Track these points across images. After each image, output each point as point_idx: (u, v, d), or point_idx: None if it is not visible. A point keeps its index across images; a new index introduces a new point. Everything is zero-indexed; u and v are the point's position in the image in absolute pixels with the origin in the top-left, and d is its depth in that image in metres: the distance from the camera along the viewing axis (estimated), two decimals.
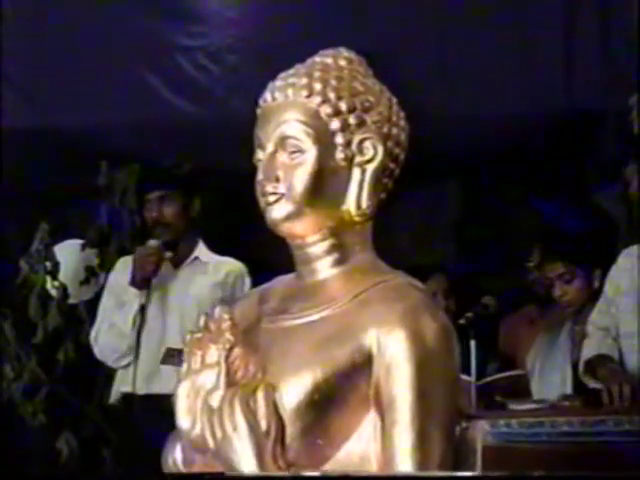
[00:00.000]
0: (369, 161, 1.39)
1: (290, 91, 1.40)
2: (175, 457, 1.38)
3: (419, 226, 4.41)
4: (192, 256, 3.41)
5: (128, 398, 3.28)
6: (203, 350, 1.32)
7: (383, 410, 1.30)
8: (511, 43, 3.59)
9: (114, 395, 3.35)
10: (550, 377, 3.41)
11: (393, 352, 1.30)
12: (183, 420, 1.33)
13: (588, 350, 3.00)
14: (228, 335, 1.30)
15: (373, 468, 1.30)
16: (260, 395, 1.29)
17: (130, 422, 3.26)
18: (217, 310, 1.33)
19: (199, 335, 1.33)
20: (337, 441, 1.32)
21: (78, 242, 3.96)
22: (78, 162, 3.83)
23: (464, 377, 2.80)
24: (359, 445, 1.31)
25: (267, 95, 1.43)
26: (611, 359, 2.90)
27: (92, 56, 3.69)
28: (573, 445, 2.57)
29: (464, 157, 3.96)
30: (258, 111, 1.46)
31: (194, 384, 1.32)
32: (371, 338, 1.31)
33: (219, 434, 1.28)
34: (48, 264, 3.78)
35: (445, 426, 1.30)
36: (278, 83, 1.43)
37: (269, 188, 1.39)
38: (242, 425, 1.27)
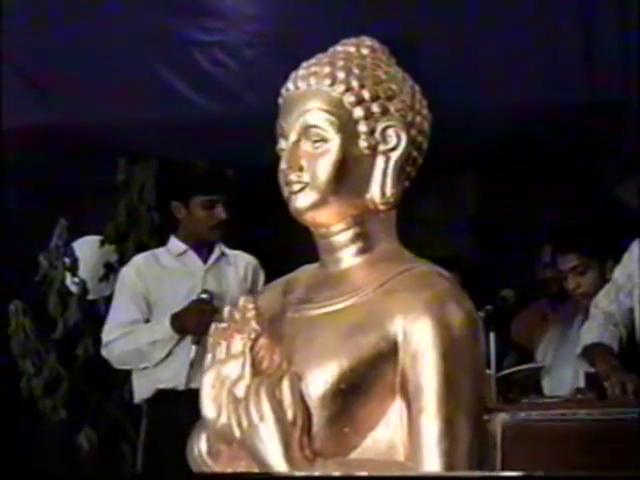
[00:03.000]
0: (393, 149, 1.39)
1: (313, 80, 1.39)
2: (200, 448, 1.37)
3: (435, 219, 4.40)
4: (217, 250, 3.42)
5: (167, 394, 3.26)
6: (228, 340, 1.32)
7: (409, 398, 1.30)
8: (531, 34, 3.57)
9: (148, 391, 3.33)
10: (562, 370, 3.41)
11: (419, 340, 1.29)
12: (208, 410, 1.33)
13: (588, 335, 2.99)
14: (253, 324, 1.30)
15: (400, 456, 1.30)
16: (286, 384, 1.28)
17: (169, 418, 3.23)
18: (241, 300, 1.33)
19: (224, 325, 1.33)
20: (363, 429, 1.31)
21: (97, 238, 3.97)
22: (96, 159, 3.84)
23: None
24: (386, 433, 1.31)
25: (290, 84, 1.43)
26: (611, 351, 2.89)
27: (109, 52, 3.69)
28: (593, 423, 2.56)
29: (481, 149, 3.94)
30: (280, 100, 1.46)
31: (219, 374, 1.32)
32: (397, 326, 1.31)
33: (245, 424, 1.28)
34: (67, 260, 3.80)
35: (472, 414, 1.30)
36: (301, 72, 1.42)
37: (293, 177, 1.39)
38: (269, 414, 1.26)
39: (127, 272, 3.42)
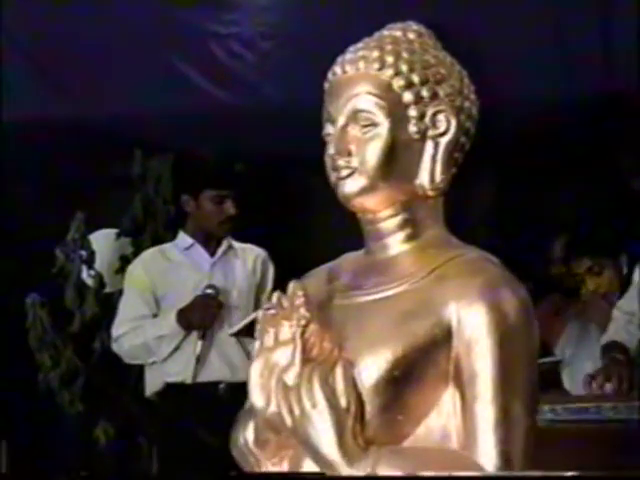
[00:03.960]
0: (442, 134, 1.37)
1: (362, 64, 1.38)
2: (247, 437, 1.36)
3: (450, 215, 4.38)
4: (225, 243, 3.41)
5: (176, 388, 3.27)
6: (276, 327, 1.30)
7: (464, 385, 1.28)
8: (547, 26, 3.55)
9: (157, 385, 3.33)
10: (582, 365, 3.39)
11: (474, 326, 1.28)
12: (257, 399, 1.31)
13: (607, 335, 2.98)
14: (303, 311, 1.28)
15: (453, 444, 1.28)
16: (339, 371, 1.26)
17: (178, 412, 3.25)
18: (290, 286, 1.31)
19: (272, 312, 1.31)
20: (416, 417, 1.29)
21: (113, 231, 3.97)
22: (112, 151, 3.83)
23: None
24: (439, 421, 1.29)
25: (337, 68, 1.41)
26: (622, 347, 2.88)
27: (125, 44, 3.68)
28: (620, 424, 2.54)
29: (498, 143, 3.92)
30: (326, 85, 1.43)
31: (268, 362, 1.30)
32: (451, 313, 1.29)
33: (297, 411, 1.26)
34: (84, 253, 3.79)
35: (527, 401, 1.28)
36: (348, 56, 1.40)
37: (341, 162, 1.37)
38: (322, 401, 1.24)
39: (135, 267, 3.45)
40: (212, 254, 3.41)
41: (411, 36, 1.41)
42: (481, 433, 1.26)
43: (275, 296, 1.32)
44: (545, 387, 3.01)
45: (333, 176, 1.39)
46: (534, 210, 4.25)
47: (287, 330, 1.29)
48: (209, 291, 3.26)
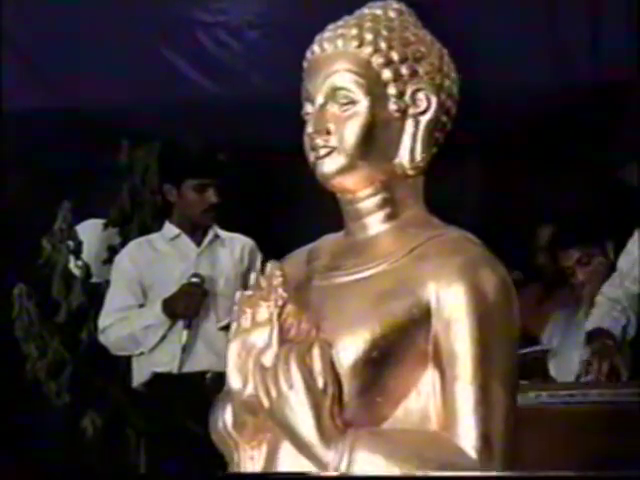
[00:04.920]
0: (423, 112, 1.35)
1: (340, 42, 1.36)
2: (225, 419, 1.34)
3: (441, 204, 4.37)
4: (211, 233, 3.40)
5: (163, 378, 3.26)
6: (254, 308, 1.28)
7: (443, 365, 1.26)
8: (536, 14, 3.54)
9: (144, 375, 3.32)
10: (570, 354, 3.39)
11: (453, 306, 1.26)
12: (234, 380, 1.29)
13: (591, 321, 2.97)
14: (281, 291, 1.26)
15: (433, 425, 1.26)
16: (316, 352, 1.24)
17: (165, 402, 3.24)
18: (268, 266, 1.29)
19: (250, 293, 1.29)
20: (395, 398, 1.28)
21: (100, 221, 3.95)
22: (99, 141, 3.80)
23: None
24: (418, 402, 1.27)
25: (315, 47, 1.39)
26: (609, 334, 2.87)
27: (111, 35, 3.65)
28: (606, 410, 2.54)
29: (486, 134, 3.91)
30: (305, 64, 1.42)
31: (245, 343, 1.29)
32: (429, 292, 1.27)
33: (274, 393, 1.24)
34: (71, 243, 3.77)
35: (508, 381, 1.26)
36: (327, 34, 1.39)
37: (319, 141, 1.35)
38: (299, 382, 1.23)
39: (121, 259, 3.44)
40: (198, 244, 3.40)
41: (391, 14, 1.39)
42: (460, 413, 1.24)
43: (253, 276, 1.30)
44: (531, 375, 3.01)
45: (312, 155, 1.37)
46: (520, 200, 4.25)
47: (265, 311, 1.27)
48: (194, 280, 3.25)
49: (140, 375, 3.34)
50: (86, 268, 3.78)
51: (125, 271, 3.36)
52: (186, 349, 3.22)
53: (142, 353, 3.29)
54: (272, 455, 1.30)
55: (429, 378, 1.28)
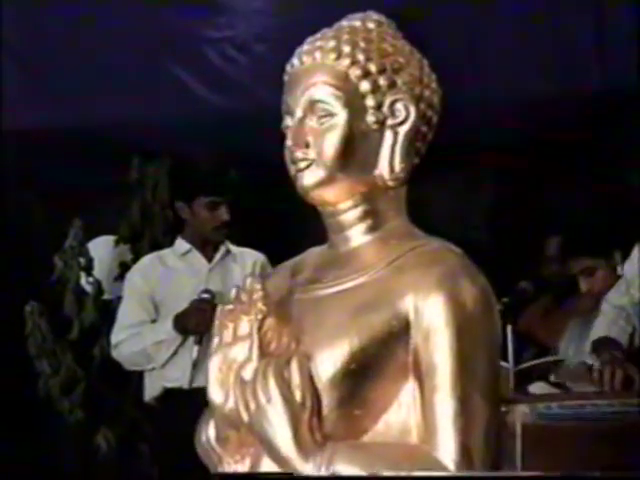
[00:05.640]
0: (401, 123, 1.35)
1: (318, 54, 1.36)
2: (208, 434, 1.34)
3: (450, 211, 4.36)
4: (222, 248, 3.41)
5: (174, 393, 3.26)
6: (235, 322, 1.28)
7: (422, 377, 1.25)
8: (542, 21, 3.53)
9: (156, 390, 3.33)
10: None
11: (431, 317, 1.25)
12: (215, 394, 1.30)
13: (598, 330, 2.95)
14: (260, 305, 1.26)
15: (413, 438, 1.25)
16: (294, 365, 1.24)
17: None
18: (248, 281, 1.29)
19: (230, 307, 1.29)
20: (375, 412, 1.27)
21: (111, 238, 3.97)
22: (109, 158, 3.83)
23: (501, 363, 2.76)
24: (398, 415, 1.26)
25: (294, 60, 1.40)
26: (617, 344, 2.85)
27: (120, 50, 3.68)
28: (617, 422, 2.51)
29: (496, 141, 3.90)
30: (285, 77, 1.42)
31: (226, 357, 1.29)
32: (408, 304, 1.26)
33: (253, 406, 1.24)
34: (82, 260, 3.79)
35: (488, 392, 1.25)
36: (305, 47, 1.40)
37: (299, 154, 1.35)
38: (276, 396, 1.22)
39: (133, 274, 3.45)
40: (210, 259, 3.40)
41: (370, 25, 1.39)
42: (439, 425, 1.23)
43: (234, 291, 1.30)
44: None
45: (292, 169, 1.37)
46: (528, 209, 4.23)
47: (245, 325, 1.27)
48: (205, 295, 3.25)
49: (152, 390, 3.35)
50: (98, 285, 3.80)
51: (137, 287, 3.37)
52: (197, 364, 3.21)
53: (154, 368, 3.30)
54: (255, 469, 1.30)
55: (409, 390, 1.27)
